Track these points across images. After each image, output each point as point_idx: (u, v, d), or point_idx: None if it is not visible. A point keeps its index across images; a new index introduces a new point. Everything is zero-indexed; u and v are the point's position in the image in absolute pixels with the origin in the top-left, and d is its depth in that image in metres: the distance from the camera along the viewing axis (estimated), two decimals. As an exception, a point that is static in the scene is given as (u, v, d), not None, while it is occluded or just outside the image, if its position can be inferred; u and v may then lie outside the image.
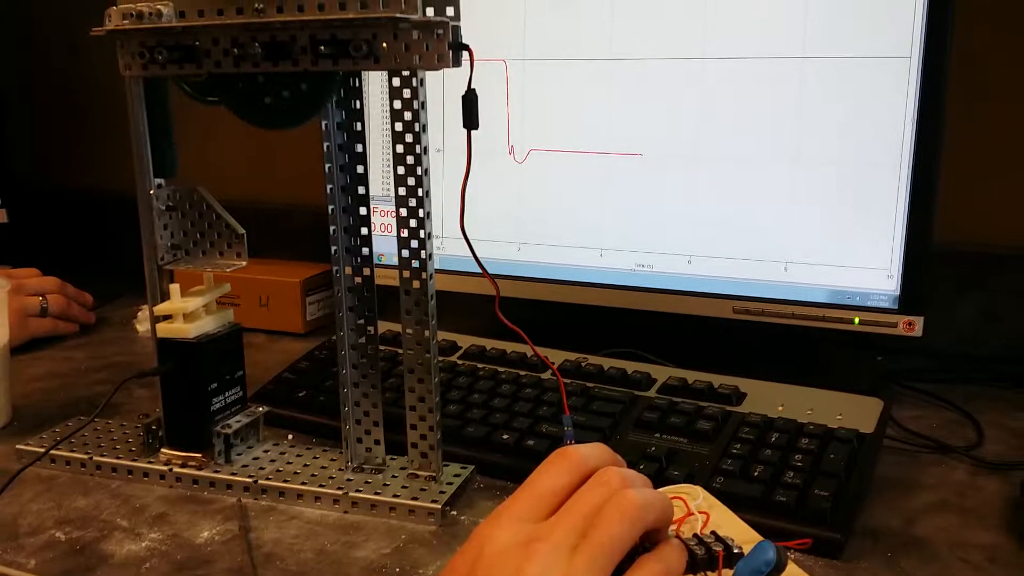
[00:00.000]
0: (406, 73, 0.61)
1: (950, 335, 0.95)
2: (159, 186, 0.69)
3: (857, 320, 0.82)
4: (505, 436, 0.72)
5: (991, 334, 0.95)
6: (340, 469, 0.70)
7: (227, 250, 0.70)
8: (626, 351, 0.89)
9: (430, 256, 0.64)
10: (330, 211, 0.67)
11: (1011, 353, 0.94)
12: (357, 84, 0.65)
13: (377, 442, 0.70)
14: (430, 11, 0.59)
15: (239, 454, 0.72)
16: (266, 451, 0.73)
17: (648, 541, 0.45)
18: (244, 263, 0.70)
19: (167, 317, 0.69)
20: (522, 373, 0.82)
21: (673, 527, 0.52)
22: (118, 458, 0.72)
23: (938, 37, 0.76)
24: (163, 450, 0.72)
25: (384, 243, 0.98)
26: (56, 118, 1.45)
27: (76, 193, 1.43)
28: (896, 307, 0.81)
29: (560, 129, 0.91)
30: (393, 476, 0.69)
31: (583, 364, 0.83)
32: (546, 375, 0.82)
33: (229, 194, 1.32)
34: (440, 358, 0.84)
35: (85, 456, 0.72)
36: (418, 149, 0.62)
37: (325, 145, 0.66)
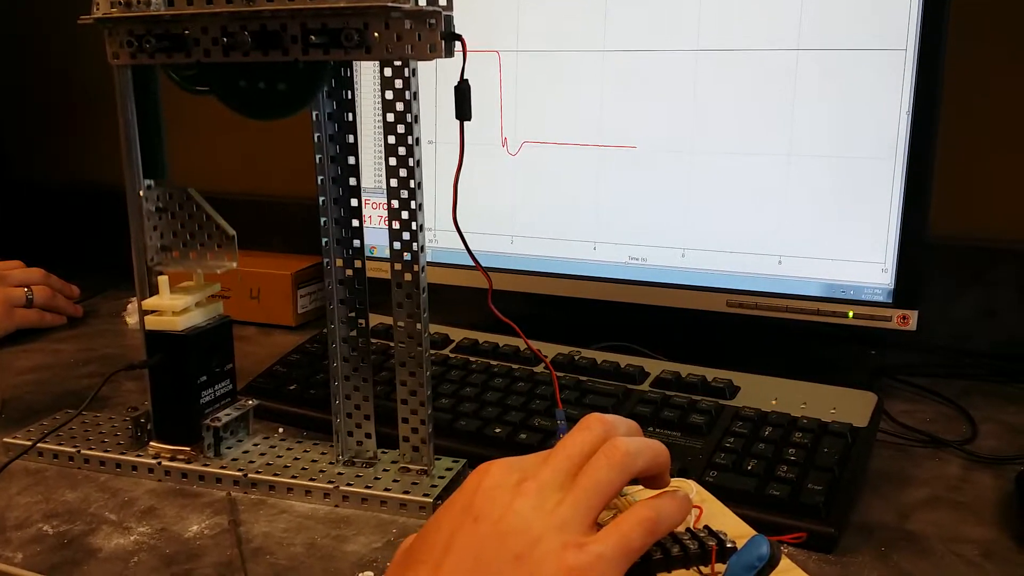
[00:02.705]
0: (398, 63, 0.61)
1: (944, 329, 0.95)
2: (149, 187, 0.68)
3: (851, 314, 0.82)
4: (498, 430, 0.72)
5: (985, 328, 0.95)
6: (331, 463, 0.69)
7: (217, 251, 0.70)
8: (619, 345, 0.88)
9: (422, 248, 0.64)
10: (321, 202, 0.66)
11: (1005, 347, 0.93)
12: (348, 74, 0.64)
13: (368, 435, 0.69)
14: (422, 0, 0.58)
15: (229, 447, 0.72)
16: (256, 444, 0.73)
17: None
18: (234, 265, 0.69)
19: (156, 309, 0.69)
20: (515, 367, 0.82)
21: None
22: (106, 451, 0.71)
23: (934, 29, 0.76)
24: (152, 443, 0.71)
25: (376, 235, 0.97)
26: (46, 111, 1.44)
27: (65, 186, 1.42)
28: (890, 301, 0.81)
29: (554, 121, 0.91)
30: (384, 470, 0.68)
31: (576, 358, 0.83)
32: (539, 368, 0.81)
33: (220, 185, 1.32)
34: (432, 351, 0.83)
35: (73, 449, 0.71)
36: (410, 140, 0.62)
37: (316, 136, 0.65)
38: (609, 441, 0.44)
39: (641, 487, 0.56)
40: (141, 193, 0.68)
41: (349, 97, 0.65)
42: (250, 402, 0.74)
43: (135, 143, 0.67)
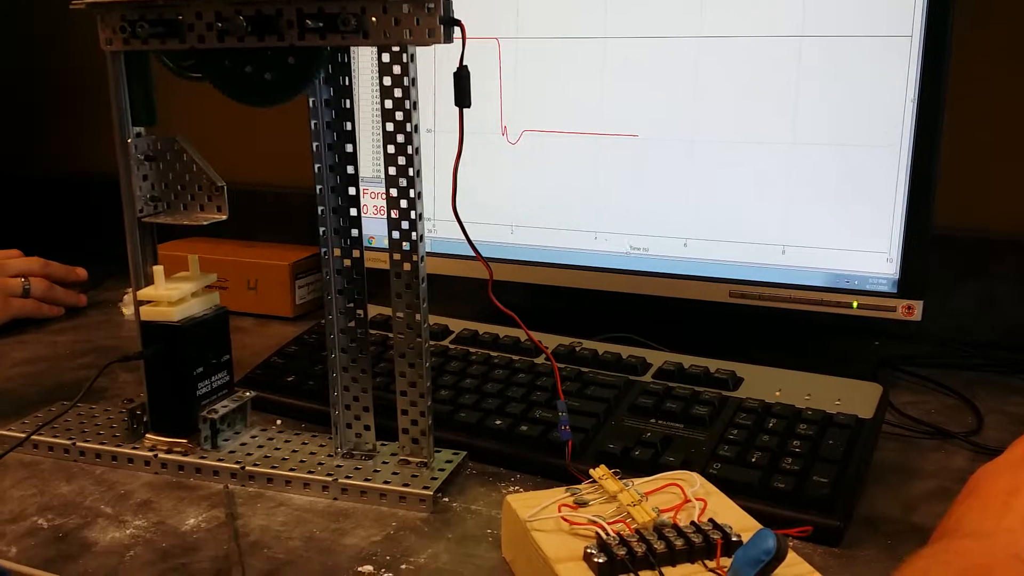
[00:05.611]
0: (396, 49, 0.59)
1: (949, 320, 0.94)
2: (138, 135, 0.67)
3: (856, 304, 0.81)
4: (498, 422, 0.71)
5: (990, 319, 0.94)
6: (329, 455, 0.69)
7: (207, 203, 0.68)
8: (621, 335, 0.87)
9: (421, 238, 0.63)
10: (318, 191, 0.65)
11: (1010, 338, 0.93)
12: (345, 60, 0.63)
13: (367, 427, 0.69)
14: (421, -16, 0.57)
15: (226, 440, 0.71)
16: (254, 437, 0.72)
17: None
18: (224, 216, 0.67)
19: (152, 300, 0.68)
20: (515, 358, 0.81)
21: (670, 514, 0.51)
22: (102, 444, 0.70)
23: (940, 16, 0.75)
24: (148, 435, 0.70)
25: (374, 225, 0.96)
26: (41, 101, 1.43)
27: (61, 178, 1.41)
28: (895, 291, 0.80)
29: (554, 109, 0.90)
30: (383, 462, 0.67)
31: (577, 349, 0.82)
32: (540, 360, 0.81)
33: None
34: (431, 342, 0.82)
35: (68, 442, 0.71)
36: (408, 127, 0.61)
37: (313, 123, 0.64)
38: None
39: (645, 479, 0.56)
40: (130, 140, 0.66)
41: (346, 84, 0.64)
42: (247, 394, 0.73)
43: (124, 98, 0.66)
